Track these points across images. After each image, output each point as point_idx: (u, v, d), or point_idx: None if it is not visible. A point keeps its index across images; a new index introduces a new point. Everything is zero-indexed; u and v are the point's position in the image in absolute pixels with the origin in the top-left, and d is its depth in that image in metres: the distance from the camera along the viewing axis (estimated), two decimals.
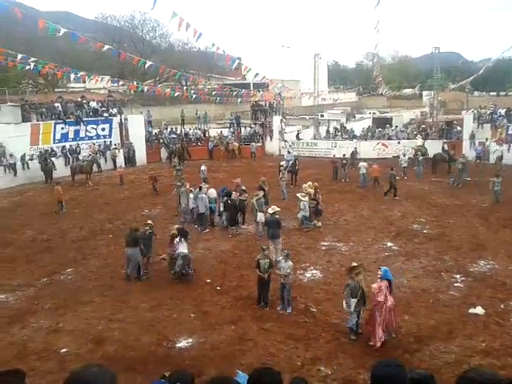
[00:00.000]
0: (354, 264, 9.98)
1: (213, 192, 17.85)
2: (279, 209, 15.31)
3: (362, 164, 23.38)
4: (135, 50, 44.23)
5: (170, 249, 13.21)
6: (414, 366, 7.21)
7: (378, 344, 8.99)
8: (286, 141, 33.43)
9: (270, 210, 14.68)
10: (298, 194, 17.19)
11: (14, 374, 2.99)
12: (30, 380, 2.99)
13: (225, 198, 17.06)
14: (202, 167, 23.51)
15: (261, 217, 15.79)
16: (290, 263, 10.82)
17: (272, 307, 10.90)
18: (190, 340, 9.72)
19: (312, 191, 17.47)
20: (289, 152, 27.11)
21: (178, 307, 11.25)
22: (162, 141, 32.99)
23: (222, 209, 17.37)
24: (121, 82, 37.03)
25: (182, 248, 12.63)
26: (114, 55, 27.72)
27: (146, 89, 34.88)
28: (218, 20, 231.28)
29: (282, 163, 24.12)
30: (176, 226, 13.93)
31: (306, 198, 16.66)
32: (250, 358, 8.86)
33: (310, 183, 18.11)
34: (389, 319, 9.13)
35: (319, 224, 17.18)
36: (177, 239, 12.84)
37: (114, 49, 27.76)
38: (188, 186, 18.40)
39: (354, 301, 9.34)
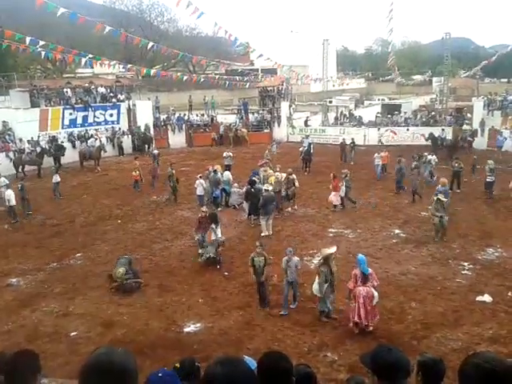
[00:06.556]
0: (330, 251, 9.83)
1: (227, 174, 18.19)
2: (272, 187, 15.79)
3: (376, 155, 22.92)
4: (143, 34, 43.95)
5: (198, 232, 13.44)
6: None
7: (350, 324, 9.15)
8: (293, 127, 33.29)
9: (264, 187, 15.27)
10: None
11: (29, 353, 3.05)
12: (42, 362, 3.03)
13: (248, 187, 16.61)
14: (225, 154, 22.55)
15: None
16: (297, 259, 10.35)
17: (276, 294, 10.87)
18: (199, 325, 9.82)
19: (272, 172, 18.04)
20: (306, 136, 26.79)
21: (186, 292, 11.34)
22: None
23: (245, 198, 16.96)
24: (129, 65, 36.83)
25: (214, 234, 12.92)
26: (116, 35, 27.56)
27: (153, 71, 34.63)
28: (227, 5, 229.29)
29: (300, 149, 24.30)
30: (203, 209, 14.26)
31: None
32: (257, 344, 8.94)
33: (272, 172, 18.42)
34: (365, 309, 9.00)
35: (288, 209, 17.43)
36: (213, 225, 13.13)
37: (115, 29, 27.55)
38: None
39: (326, 285, 9.43)
